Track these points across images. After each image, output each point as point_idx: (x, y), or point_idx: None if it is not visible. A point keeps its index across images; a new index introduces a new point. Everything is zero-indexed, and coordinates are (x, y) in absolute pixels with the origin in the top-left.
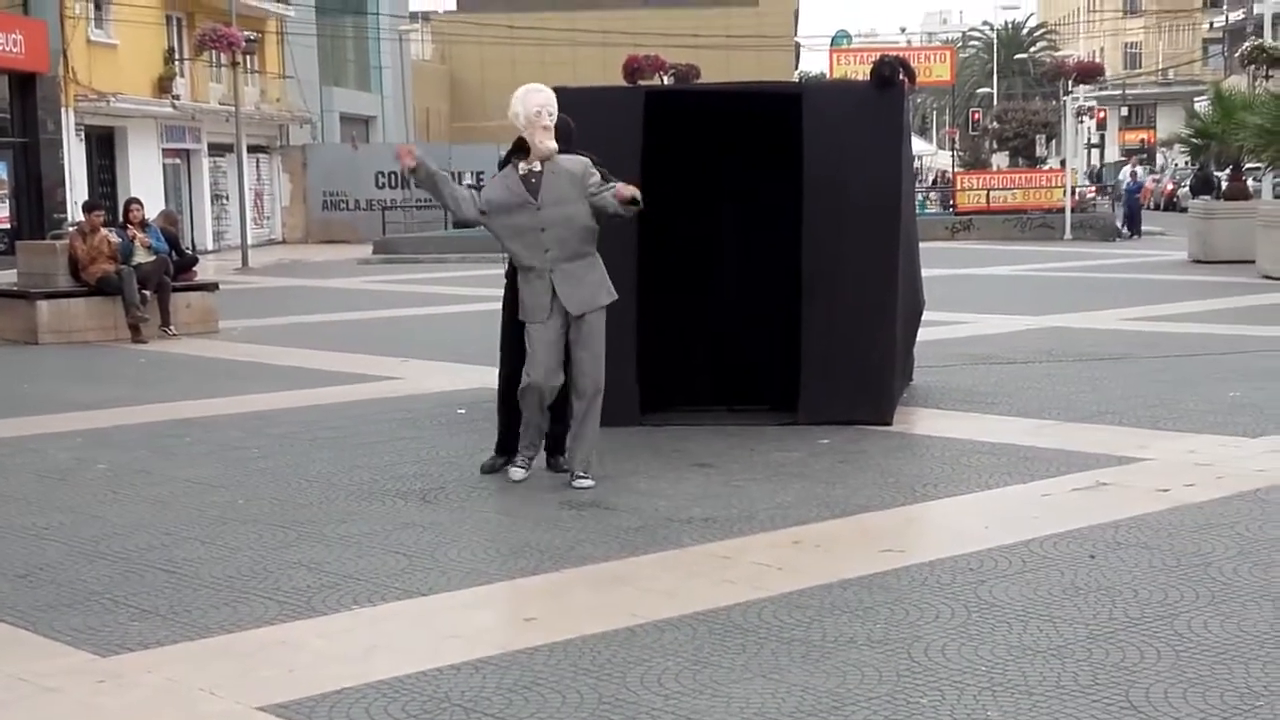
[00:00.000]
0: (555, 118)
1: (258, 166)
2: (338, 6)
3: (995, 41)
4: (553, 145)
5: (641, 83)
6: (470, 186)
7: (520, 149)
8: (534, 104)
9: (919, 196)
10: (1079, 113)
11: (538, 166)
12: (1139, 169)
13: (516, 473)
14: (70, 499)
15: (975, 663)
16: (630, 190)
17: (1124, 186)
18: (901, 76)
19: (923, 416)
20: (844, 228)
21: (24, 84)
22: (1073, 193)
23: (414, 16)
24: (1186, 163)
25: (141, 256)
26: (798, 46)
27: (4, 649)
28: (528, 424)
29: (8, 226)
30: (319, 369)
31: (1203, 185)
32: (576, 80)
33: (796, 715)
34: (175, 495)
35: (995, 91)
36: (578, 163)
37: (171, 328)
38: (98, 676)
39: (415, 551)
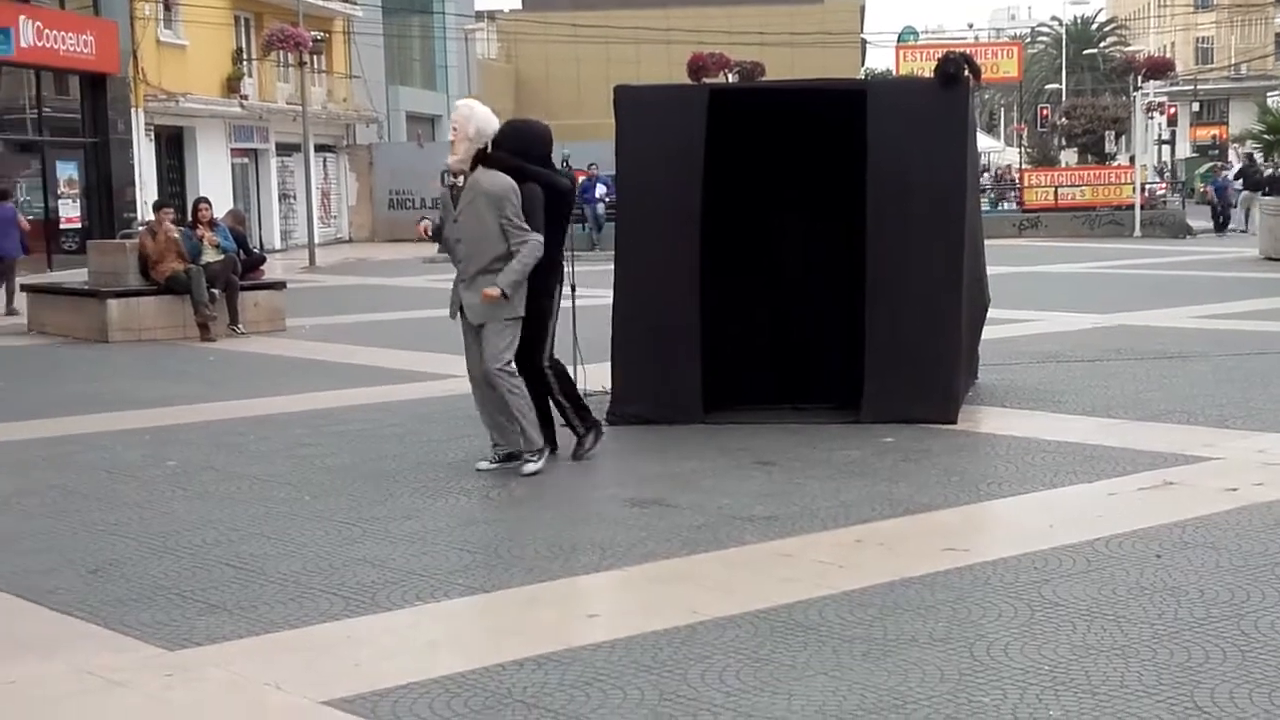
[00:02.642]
0: (460, 131)
1: (324, 166)
2: (404, 6)
3: (1064, 37)
4: (453, 159)
5: (706, 80)
6: None
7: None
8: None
9: (985, 193)
10: (1149, 108)
11: (461, 181)
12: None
13: (481, 464)
14: (139, 495)
15: (1038, 662)
16: (491, 294)
17: (1213, 184)
18: (966, 73)
19: (988, 415)
20: (909, 225)
21: (95, 84)
22: (1142, 189)
23: (479, 15)
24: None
25: (210, 255)
26: (864, 43)
27: (74, 643)
28: (484, 420)
29: (79, 226)
30: (384, 367)
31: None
32: (641, 78)
33: (858, 713)
34: (242, 492)
35: (1064, 87)
36: (497, 184)
37: (239, 326)
38: (166, 670)
39: (478, 548)
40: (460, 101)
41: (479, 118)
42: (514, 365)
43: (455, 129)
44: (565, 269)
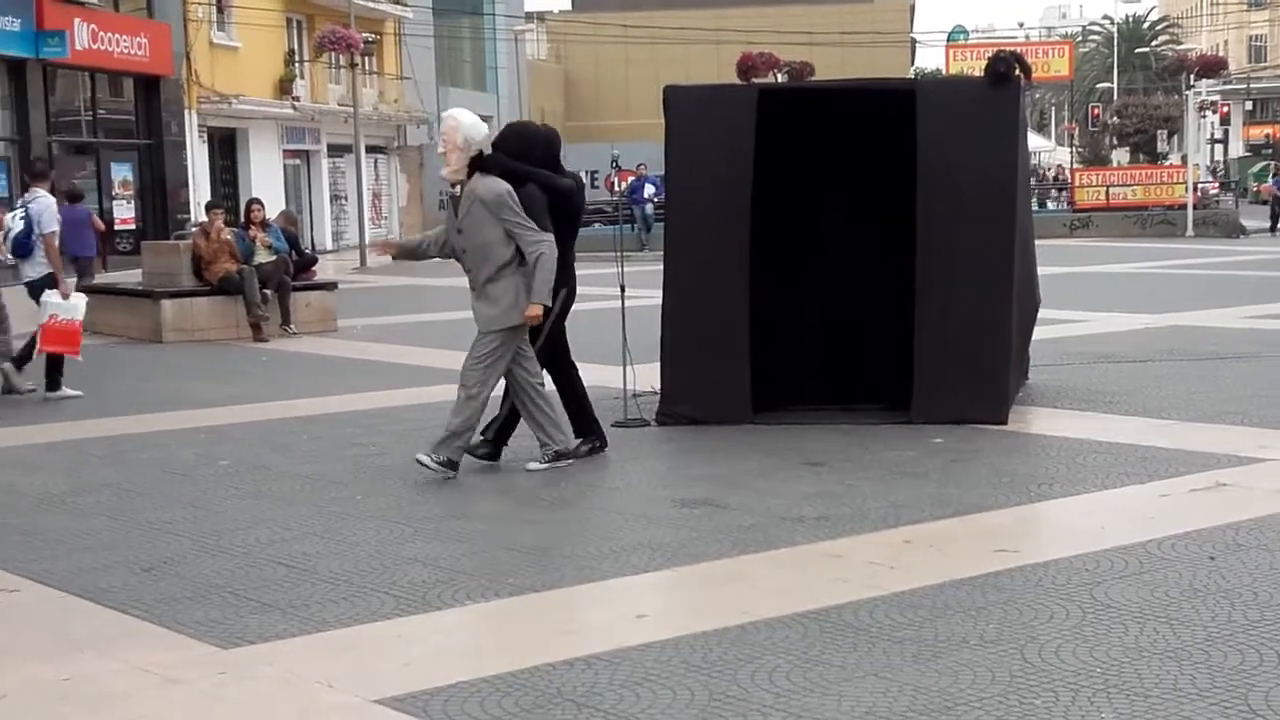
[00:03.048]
0: (450, 142)
1: (375, 167)
2: (454, 7)
3: (1115, 35)
4: (447, 172)
5: (755, 80)
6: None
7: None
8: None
9: (1036, 193)
10: (1201, 107)
11: (458, 191)
12: None
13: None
14: (193, 494)
15: (1090, 664)
16: (534, 313)
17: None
18: (1017, 72)
19: (1039, 416)
20: (958, 225)
21: (149, 86)
22: (1195, 189)
23: (529, 16)
24: None
25: (262, 256)
26: (913, 42)
27: (129, 640)
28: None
29: (133, 227)
30: (435, 366)
31: None
32: (690, 78)
33: (908, 715)
34: (295, 491)
35: (1115, 86)
36: (491, 190)
37: (291, 326)
38: (219, 668)
39: (528, 548)
40: (446, 113)
41: (465, 126)
42: (539, 372)
43: (444, 140)
44: (577, 271)
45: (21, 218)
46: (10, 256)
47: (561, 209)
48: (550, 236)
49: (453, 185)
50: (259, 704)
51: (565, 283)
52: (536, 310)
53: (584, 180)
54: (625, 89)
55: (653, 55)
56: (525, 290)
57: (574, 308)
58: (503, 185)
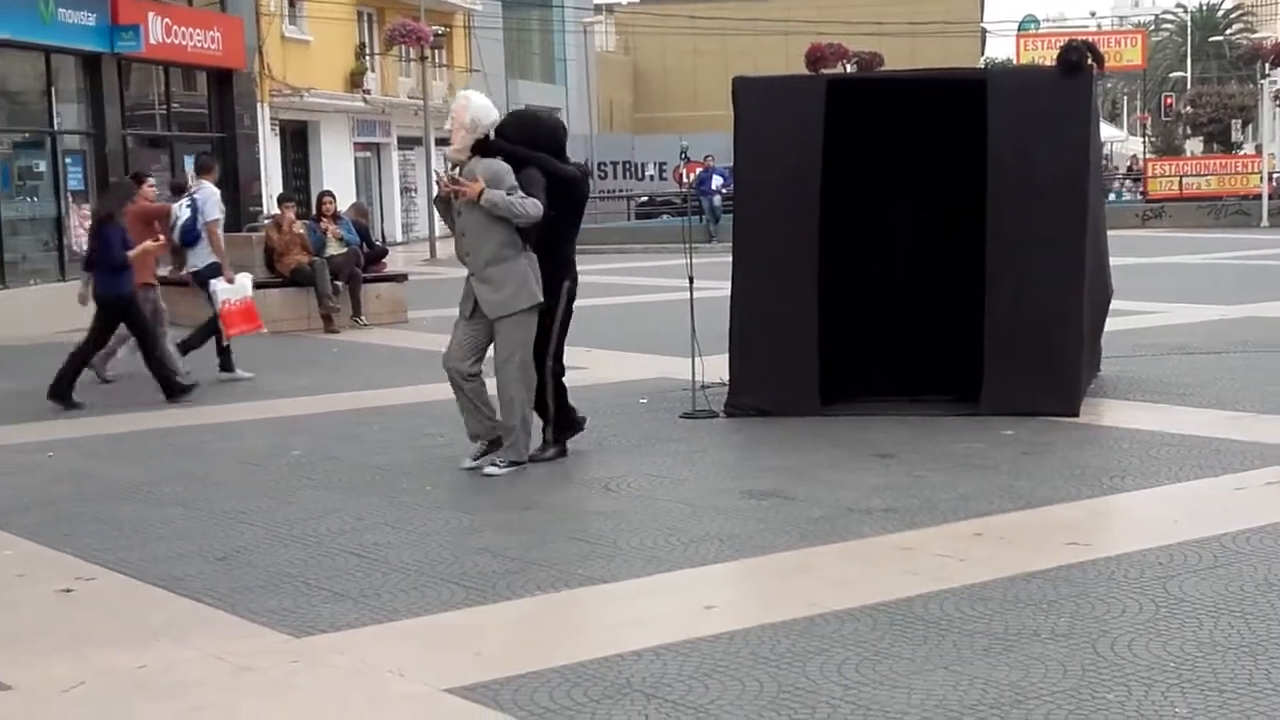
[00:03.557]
0: (459, 121)
1: (445, 159)
2: (524, 0)
3: (1189, 24)
4: (453, 149)
5: (824, 71)
6: None
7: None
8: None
9: (1109, 183)
10: (1277, 96)
11: (458, 172)
12: None
13: (465, 460)
14: (266, 484)
15: (1163, 659)
16: (471, 191)
17: None
18: (1089, 61)
19: (1111, 408)
20: (1030, 216)
21: (221, 80)
22: (1270, 178)
23: (598, 9)
24: None
25: (333, 248)
26: (984, 32)
27: (203, 629)
28: (462, 413)
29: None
30: None
31: None
32: (758, 69)
33: (978, 708)
34: (366, 481)
35: (1189, 75)
36: (490, 169)
37: (362, 318)
38: (291, 657)
39: (597, 539)
40: (460, 92)
41: (475, 106)
42: (531, 365)
43: (453, 118)
44: (575, 266)
45: (188, 206)
46: (178, 243)
47: (565, 196)
48: (541, 205)
49: (454, 166)
50: (330, 692)
51: (567, 274)
52: (476, 187)
53: (589, 170)
54: (693, 80)
55: (721, 46)
56: (533, 275)
57: (642, 300)
58: (502, 164)
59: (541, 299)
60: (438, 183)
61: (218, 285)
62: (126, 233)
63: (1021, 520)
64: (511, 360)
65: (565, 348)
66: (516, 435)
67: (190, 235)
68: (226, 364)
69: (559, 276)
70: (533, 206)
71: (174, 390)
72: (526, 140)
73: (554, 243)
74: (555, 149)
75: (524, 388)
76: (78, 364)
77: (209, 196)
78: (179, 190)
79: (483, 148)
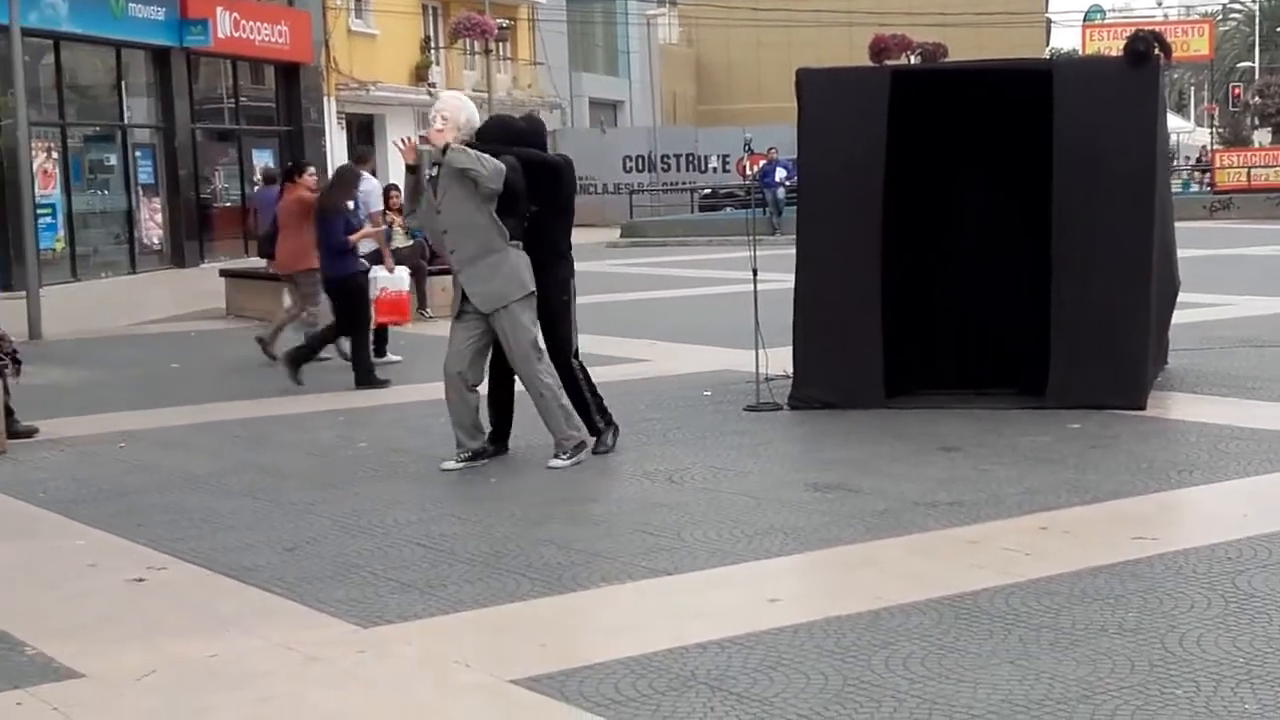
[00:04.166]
0: (450, 119)
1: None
2: None
3: (1257, 13)
4: (438, 143)
5: (888, 62)
6: None
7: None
8: (431, 113)
9: (1175, 175)
10: None
11: (436, 171)
12: None
13: (448, 463)
14: (333, 475)
15: (1232, 654)
16: (408, 150)
17: None
18: (1156, 51)
19: (1178, 401)
20: (1096, 207)
21: (288, 74)
22: None
23: (661, 1)
24: None
25: (400, 241)
26: (1049, 23)
27: (272, 619)
28: (450, 414)
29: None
30: None
31: None
32: (822, 61)
33: (1045, 703)
34: (430, 473)
35: (1257, 65)
36: (464, 156)
37: (428, 310)
38: (359, 647)
39: (661, 531)
40: (447, 92)
41: (470, 110)
42: (546, 357)
43: (445, 116)
44: (564, 263)
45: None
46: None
47: (550, 186)
48: (506, 164)
49: (433, 165)
50: (397, 682)
51: (569, 271)
52: (443, 135)
53: (572, 160)
54: (757, 72)
55: (785, 38)
56: (524, 265)
57: (706, 292)
58: (473, 151)
59: (534, 288)
60: (401, 151)
61: (379, 273)
62: (348, 217)
63: (1088, 514)
64: (528, 355)
65: (621, 339)
66: (560, 425)
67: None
68: (380, 350)
69: (564, 274)
70: (494, 165)
71: (369, 382)
72: (509, 139)
73: (550, 238)
74: (538, 145)
75: (550, 377)
76: (325, 343)
77: (371, 189)
78: (270, 179)
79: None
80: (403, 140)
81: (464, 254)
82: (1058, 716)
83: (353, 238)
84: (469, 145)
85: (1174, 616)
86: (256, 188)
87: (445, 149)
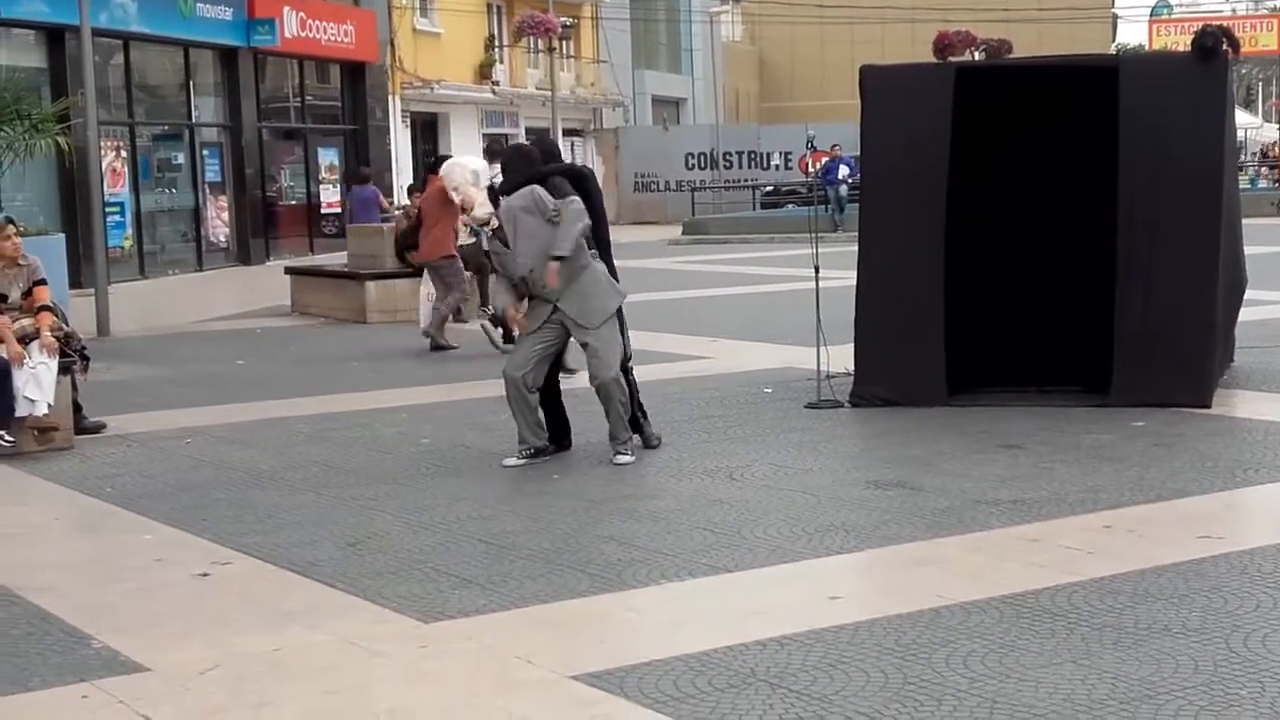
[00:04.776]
0: (460, 191)
1: (572, 149)
2: None
3: None
4: (481, 215)
5: (952, 59)
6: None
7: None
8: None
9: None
10: None
11: (495, 222)
12: None
13: (510, 460)
14: (395, 471)
15: None
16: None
17: None
18: (1225, 46)
19: (1245, 399)
20: (1162, 204)
21: (354, 73)
22: None
23: None
24: None
25: (463, 238)
26: (1114, 18)
27: (337, 614)
28: (513, 416)
29: (338, 210)
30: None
31: None
32: (885, 58)
33: (1108, 702)
34: (492, 469)
35: None
36: (523, 197)
37: (490, 308)
38: (421, 642)
39: (722, 528)
40: (443, 168)
41: (455, 173)
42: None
43: (455, 191)
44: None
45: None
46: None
47: (585, 191)
48: (578, 200)
49: (485, 224)
50: (459, 677)
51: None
52: (554, 269)
53: (593, 169)
54: (820, 69)
55: (848, 35)
56: (607, 273)
57: (768, 289)
58: (526, 192)
59: (624, 296)
60: (491, 233)
61: None
62: None
63: (1152, 513)
64: (616, 363)
65: (683, 337)
66: (620, 428)
67: None
68: (509, 336)
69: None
70: (576, 211)
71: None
72: (530, 162)
73: (602, 244)
74: (557, 159)
75: (623, 391)
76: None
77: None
78: (362, 180)
79: (494, 194)
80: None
81: (560, 279)
82: (1120, 716)
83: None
84: (491, 190)
85: (1239, 616)
86: (350, 188)
87: (555, 276)
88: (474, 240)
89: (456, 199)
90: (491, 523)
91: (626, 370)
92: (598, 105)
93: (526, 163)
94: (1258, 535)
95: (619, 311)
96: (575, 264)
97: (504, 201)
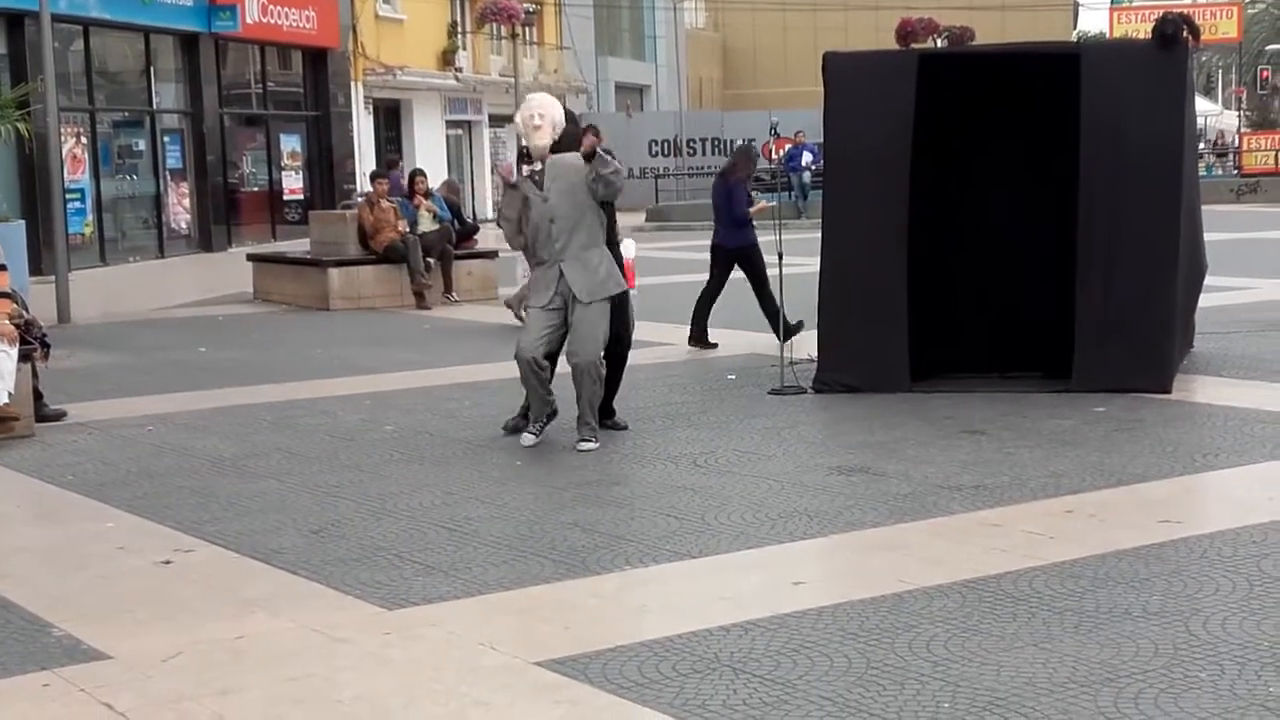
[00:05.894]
0: (547, 118)
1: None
2: None
3: None
4: (543, 142)
5: (915, 46)
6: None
7: (526, 155)
8: (524, 114)
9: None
10: None
11: (539, 166)
12: None
13: (526, 438)
14: (359, 459)
15: (1257, 638)
16: (589, 143)
17: None
18: (1185, 34)
19: (1204, 384)
20: (1123, 190)
21: (316, 59)
22: None
23: None
24: None
25: (426, 225)
26: (1075, 6)
27: (299, 601)
28: (527, 393)
29: (301, 197)
30: None
31: None
32: (849, 44)
33: (1069, 685)
34: (456, 456)
35: None
36: (577, 157)
37: (454, 294)
38: (384, 629)
39: (686, 514)
40: (538, 94)
41: (560, 110)
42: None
43: (542, 115)
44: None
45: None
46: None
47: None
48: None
49: (532, 162)
50: (422, 664)
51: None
52: (592, 141)
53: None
54: (783, 56)
55: (811, 22)
56: (613, 263)
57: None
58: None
59: (625, 288)
60: (529, 176)
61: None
62: (748, 191)
63: (1113, 498)
64: (596, 351)
65: (646, 323)
66: (589, 413)
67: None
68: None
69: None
70: (620, 175)
71: (790, 331)
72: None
73: (612, 231)
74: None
75: (597, 381)
76: (706, 305)
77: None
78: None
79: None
80: (502, 166)
81: (575, 244)
82: (1081, 699)
83: (752, 210)
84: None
85: (1198, 600)
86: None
87: (593, 154)
88: (438, 226)
89: (547, 120)
90: (455, 509)
91: (623, 358)
92: (561, 92)
93: (566, 138)
94: (1217, 520)
95: (623, 305)
96: (593, 239)
97: (556, 158)
